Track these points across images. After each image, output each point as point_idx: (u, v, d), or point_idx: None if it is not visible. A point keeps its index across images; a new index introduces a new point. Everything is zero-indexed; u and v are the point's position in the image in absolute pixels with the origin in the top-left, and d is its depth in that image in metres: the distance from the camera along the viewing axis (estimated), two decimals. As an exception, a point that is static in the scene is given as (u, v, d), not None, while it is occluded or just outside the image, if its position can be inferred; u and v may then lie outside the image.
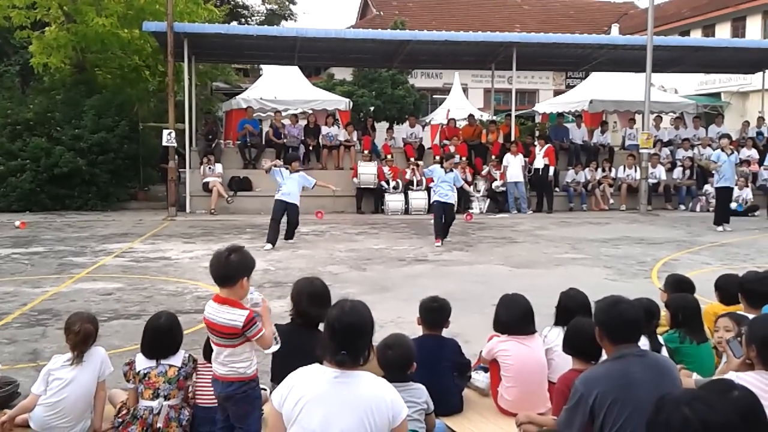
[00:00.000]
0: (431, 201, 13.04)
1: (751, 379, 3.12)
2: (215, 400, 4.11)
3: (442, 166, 12.83)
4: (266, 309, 3.78)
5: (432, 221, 12.87)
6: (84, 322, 4.30)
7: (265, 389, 4.44)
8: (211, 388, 4.10)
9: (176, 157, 17.22)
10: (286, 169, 12.40)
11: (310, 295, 4.27)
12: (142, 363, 4.32)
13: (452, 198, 12.66)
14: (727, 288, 5.23)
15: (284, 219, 12.26)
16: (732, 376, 3.22)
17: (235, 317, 3.64)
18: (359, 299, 3.08)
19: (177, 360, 4.36)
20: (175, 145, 17.07)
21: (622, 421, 3.10)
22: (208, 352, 4.39)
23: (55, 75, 20.30)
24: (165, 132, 17.00)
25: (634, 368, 3.20)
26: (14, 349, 6.24)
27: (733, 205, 15.29)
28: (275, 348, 3.80)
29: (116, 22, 18.45)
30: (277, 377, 4.07)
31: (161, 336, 4.39)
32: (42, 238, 13.03)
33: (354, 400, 2.77)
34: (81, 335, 4.24)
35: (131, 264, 10.51)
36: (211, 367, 4.28)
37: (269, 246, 11.76)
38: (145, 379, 4.27)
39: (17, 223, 14.62)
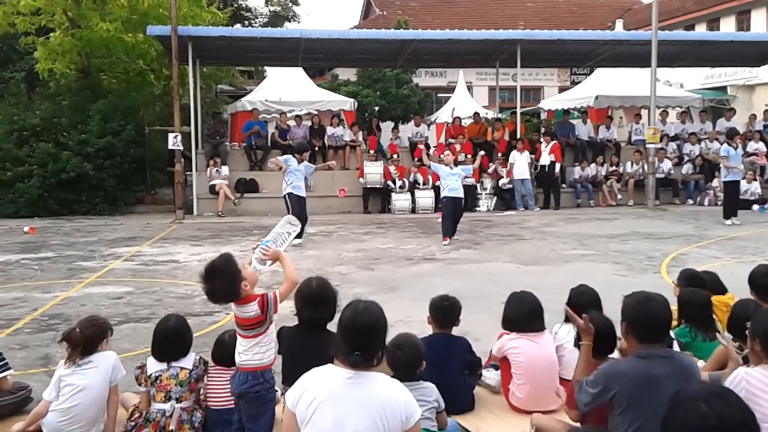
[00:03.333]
0: (441, 197, 12.91)
1: (759, 375, 3.11)
2: (227, 402, 4.12)
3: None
4: (277, 254, 3.85)
5: (440, 219, 12.86)
6: (77, 326, 4.30)
7: (277, 390, 4.44)
8: (223, 390, 4.11)
9: (182, 160, 17.26)
10: (295, 158, 12.55)
11: (304, 297, 4.25)
12: (153, 366, 4.33)
13: (461, 192, 12.65)
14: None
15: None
16: (741, 372, 3.20)
17: (252, 310, 3.69)
18: (373, 300, 3.07)
19: (188, 362, 4.36)
20: (181, 148, 17.11)
21: (641, 422, 3.08)
22: (217, 355, 4.41)
23: (61, 80, 20.37)
24: (171, 135, 17.03)
25: (658, 370, 3.17)
26: (26, 354, 6.26)
27: (755, 207, 15.33)
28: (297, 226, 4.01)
29: (120, 26, 18.49)
30: (288, 378, 4.08)
31: (171, 338, 4.39)
32: (51, 243, 13.08)
33: (367, 401, 2.77)
34: (72, 340, 4.24)
35: (140, 267, 10.54)
36: (221, 369, 4.30)
37: (299, 241, 11.91)
38: (156, 382, 4.28)
39: (26, 228, 14.68)
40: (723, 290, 5.39)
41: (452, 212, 12.45)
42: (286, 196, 12.39)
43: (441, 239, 12.38)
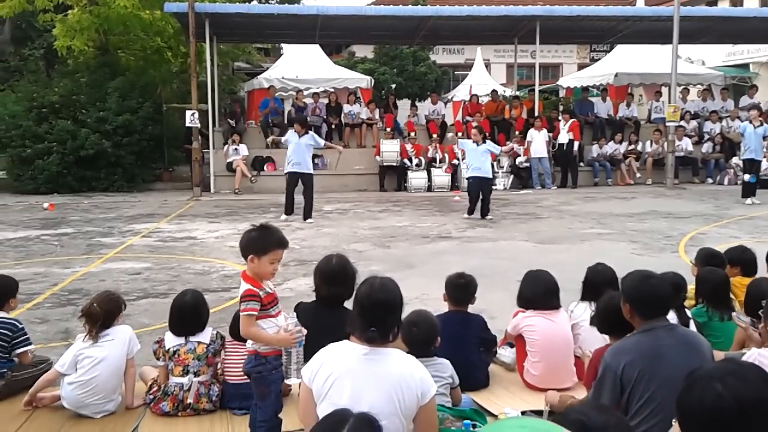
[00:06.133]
0: (467, 177, 12.90)
1: None
2: (244, 377, 4.15)
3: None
4: (284, 338, 3.53)
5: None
6: (94, 301, 4.36)
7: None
8: (240, 365, 4.14)
9: (200, 137, 17.31)
10: (294, 132, 12.55)
11: (323, 274, 4.23)
12: (171, 340, 4.39)
13: (486, 171, 12.52)
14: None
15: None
16: (754, 352, 3.18)
17: (240, 289, 3.58)
18: (389, 276, 3.08)
19: (205, 337, 4.42)
20: (199, 125, 17.15)
21: (650, 393, 3.10)
22: (235, 330, 4.44)
23: (79, 58, 20.44)
24: (188, 113, 17.08)
25: (663, 341, 3.19)
26: (46, 328, 6.36)
27: (746, 177, 14.44)
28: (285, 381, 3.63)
29: (138, 3, 18.50)
30: (305, 354, 4.09)
31: (187, 313, 4.45)
32: (70, 220, 13.21)
33: (383, 376, 2.78)
34: (92, 315, 4.30)
35: (158, 244, 10.63)
36: (238, 344, 4.34)
37: (284, 217, 12.40)
38: (174, 357, 4.34)
39: (45, 205, 14.83)
40: (754, 272, 5.25)
41: (477, 193, 12.41)
42: (287, 175, 12.56)
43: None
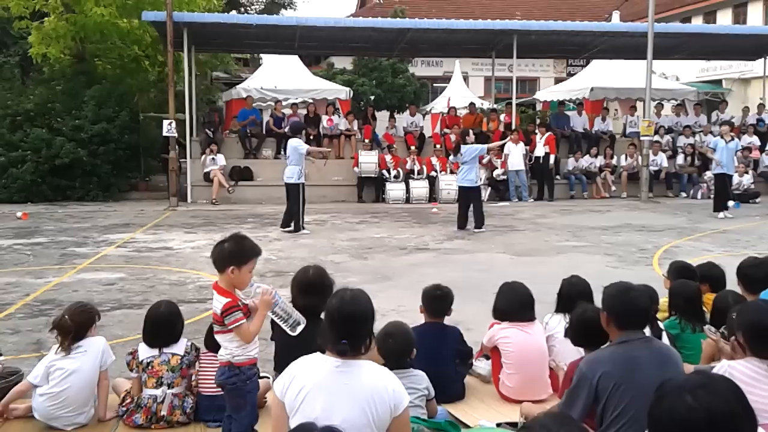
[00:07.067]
0: (477, 185, 12.61)
1: (742, 368, 3.13)
2: (219, 389, 4.12)
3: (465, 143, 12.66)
4: (262, 303, 3.55)
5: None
6: (66, 313, 4.31)
7: (268, 377, 4.46)
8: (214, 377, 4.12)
9: (177, 147, 17.21)
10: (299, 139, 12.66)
11: (300, 285, 4.22)
12: (144, 352, 4.34)
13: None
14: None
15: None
16: (724, 364, 3.22)
17: (217, 304, 3.54)
18: (360, 288, 3.07)
19: (179, 348, 4.38)
20: (176, 135, 17.05)
21: (624, 405, 3.12)
22: (209, 342, 4.41)
23: (55, 65, 20.25)
24: (165, 122, 16.98)
25: (638, 353, 3.22)
26: (18, 339, 6.27)
27: (731, 204, 14.75)
28: (299, 329, 3.62)
29: (115, 11, 18.38)
30: (280, 366, 4.06)
31: (161, 324, 4.40)
32: (44, 229, 13.04)
33: (355, 389, 2.77)
34: (63, 327, 4.25)
35: (133, 254, 10.53)
36: (213, 355, 4.30)
37: (308, 230, 12.31)
38: (148, 368, 4.29)
39: (19, 214, 14.63)
40: (722, 288, 5.28)
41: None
42: (301, 187, 12.28)
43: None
